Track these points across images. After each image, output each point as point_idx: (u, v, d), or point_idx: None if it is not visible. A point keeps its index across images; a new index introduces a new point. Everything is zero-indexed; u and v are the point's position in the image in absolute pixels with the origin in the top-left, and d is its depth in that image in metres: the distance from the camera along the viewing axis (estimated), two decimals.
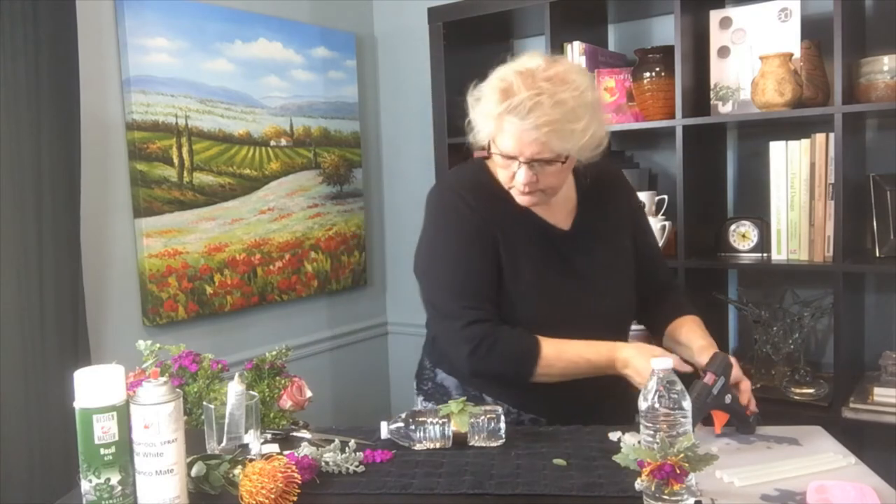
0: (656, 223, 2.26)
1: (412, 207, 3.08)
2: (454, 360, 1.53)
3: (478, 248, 1.49)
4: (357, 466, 1.25)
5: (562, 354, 1.45)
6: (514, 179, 1.43)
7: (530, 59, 1.42)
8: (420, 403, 1.66)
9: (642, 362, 1.38)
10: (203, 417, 1.37)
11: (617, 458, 1.22)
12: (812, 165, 2.05)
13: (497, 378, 1.51)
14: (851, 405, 1.97)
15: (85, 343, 2.02)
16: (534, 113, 1.33)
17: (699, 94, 2.21)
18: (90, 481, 1.07)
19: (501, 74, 1.41)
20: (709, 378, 1.32)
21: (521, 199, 1.47)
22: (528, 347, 1.45)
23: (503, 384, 1.52)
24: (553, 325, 1.48)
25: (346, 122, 2.96)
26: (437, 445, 1.33)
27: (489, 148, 1.44)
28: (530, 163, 1.39)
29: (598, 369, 1.44)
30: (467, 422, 1.33)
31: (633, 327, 1.73)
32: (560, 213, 1.56)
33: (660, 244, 2.26)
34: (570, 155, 1.40)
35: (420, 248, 1.57)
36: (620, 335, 1.58)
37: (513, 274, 1.50)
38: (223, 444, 1.32)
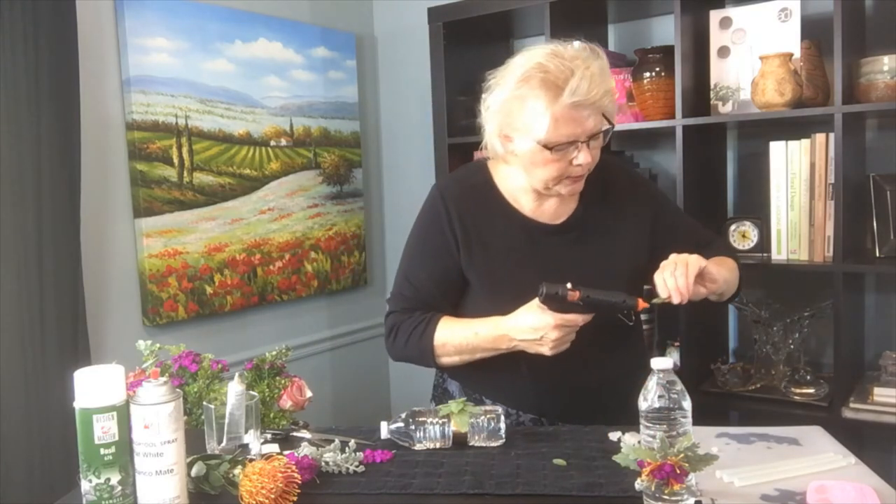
0: None
1: (412, 207, 3.05)
2: None
3: (433, 245, 1.54)
4: (357, 466, 1.25)
5: (454, 331, 1.49)
6: (572, 166, 1.42)
7: (539, 48, 1.42)
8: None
9: (523, 318, 1.40)
10: (203, 417, 1.37)
11: (617, 458, 1.22)
12: (812, 165, 2.05)
13: (413, 363, 1.58)
14: (851, 405, 1.97)
15: (85, 343, 2.02)
16: (591, 86, 1.35)
17: (699, 94, 2.21)
18: (90, 481, 1.07)
19: (526, 73, 1.38)
20: (569, 291, 1.33)
21: (573, 188, 1.47)
22: (422, 331, 1.51)
23: (497, 385, 1.53)
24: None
25: (346, 122, 2.96)
26: (437, 445, 1.33)
27: (545, 149, 1.39)
28: (587, 141, 1.40)
29: (491, 341, 1.45)
30: (467, 422, 1.33)
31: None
32: (558, 207, 1.55)
33: None
34: (612, 119, 1.43)
35: None
36: (618, 326, 1.57)
37: (486, 270, 1.51)
38: (223, 444, 1.32)
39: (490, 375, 1.52)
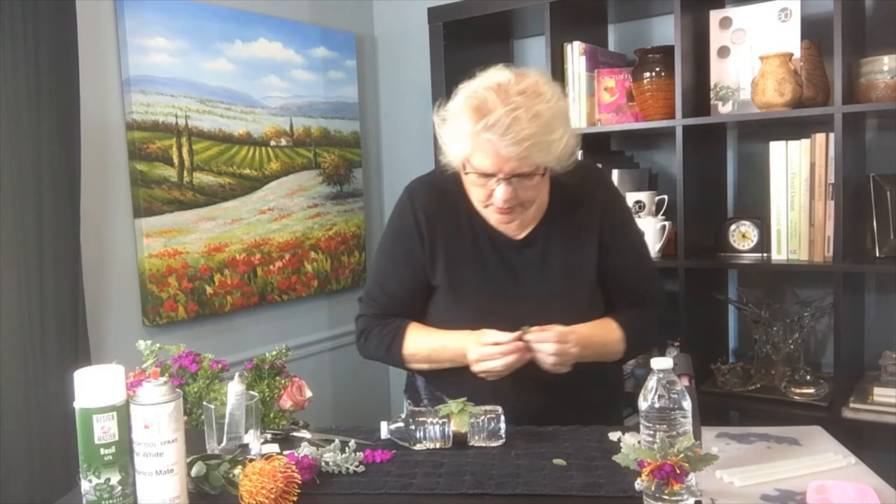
0: (656, 223, 2.26)
1: None
2: None
3: (404, 252, 1.55)
4: (357, 466, 1.25)
5: (423, 343, 1.53)
6: (493, 197, 1.41)
7: (497, 73, 1.40)
8: (405, 400, 1.71)
9: (470, 342, 1.44)
10: (203, 417, 1.37)
11: (617, 458, 1.22)
12: (812, 165, 2.05)
13: (382, 363, 1.63)
14: (851, 405, 1.97)
15: (85, 343, 2.02)
16: (513, 128, 1.31)
17: (699, 94, 2.21)
18: (90, 481, 1.07)
19: (470, 91, 1.38)
20: (687, 381, 1.26)
21: (501, 219, 1.46)
22: (391, 340, 1.55)
23: (455, 384, 1.48)
24: (492, 321, 1.45)
25: (346, 122, 2.96)
26: (437, 445, 1.33)
27: (464, 168, 1.41)
28: (509, 178, 1.37)
29: (457, 354, 1.47)
30: (467, 422, 1.33)
31: None
32: (521, 221, 1.52)
33: (659, 244, 2.26)
34: (548, 166, 1.40)
35: None
36: None
37: (451, 280, 1.51)
38: (223, 444, 1.32)
39: (451, 374, 1.50)
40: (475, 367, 1.43)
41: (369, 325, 1.59)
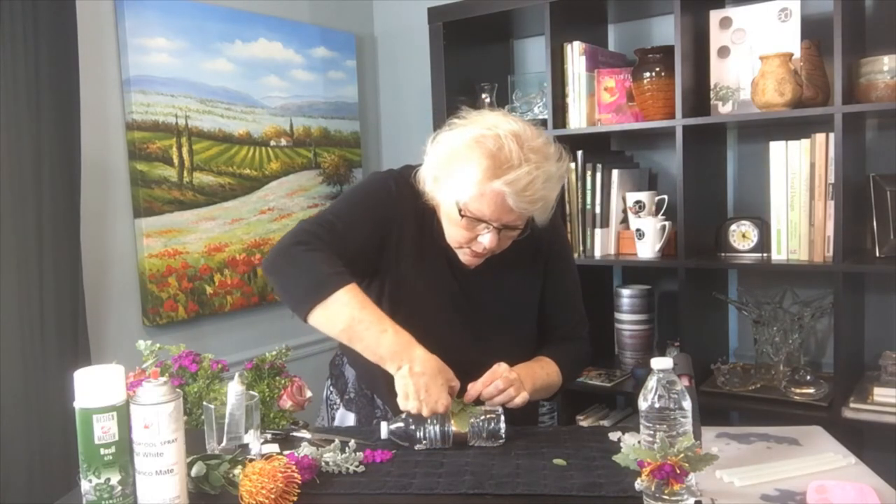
0: (656, 223, 2.26)
1: None
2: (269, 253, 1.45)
3: (370, 225, 1.45)
4: (357, 466, 1.25)
5: (365, 305, 1.34)
6: (476, 242, 1.39)
7: (504, 119, 1.37)
8: (327, 387, 1.69)
9: (413, 379, 1.31)
10: (203, 417, 1.37)
11: (617, 458, 1.22)
12: (812, 165, 2.05)
13: (281, 287, 1.44)
14: (851, 405, 1.97)
15: (85, 343, 2.02)
16: (530, 188, 1.31)
17: (699, 94, 2.21)
18: (90, 481, 1.07)
19: (480, 133, 1.33)
20: (687, 381, 1.26)
21: (471, 260, 1.44)
22: (337, 272, 1.35)
23: (391, 387, 1.36)
24: (437, 339, 1.40)
25: (346, 122, 2.96)
26: (437, 445, 1.33)
27: (460, 211, 1.36)
28: (500, 228, 1.37)
29: (385, 351, 1.33)
30: (467, 422, 1.33)
31: None
32: None
33: (659, 244, 2.27)
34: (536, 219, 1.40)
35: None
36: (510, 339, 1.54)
37: (405, 288, 1.47)
38: (223, 444, 1.32)
39: (386, 376, 1.38)
40: (414, 398, 1.32)
41: (320, 242, 1.38)
